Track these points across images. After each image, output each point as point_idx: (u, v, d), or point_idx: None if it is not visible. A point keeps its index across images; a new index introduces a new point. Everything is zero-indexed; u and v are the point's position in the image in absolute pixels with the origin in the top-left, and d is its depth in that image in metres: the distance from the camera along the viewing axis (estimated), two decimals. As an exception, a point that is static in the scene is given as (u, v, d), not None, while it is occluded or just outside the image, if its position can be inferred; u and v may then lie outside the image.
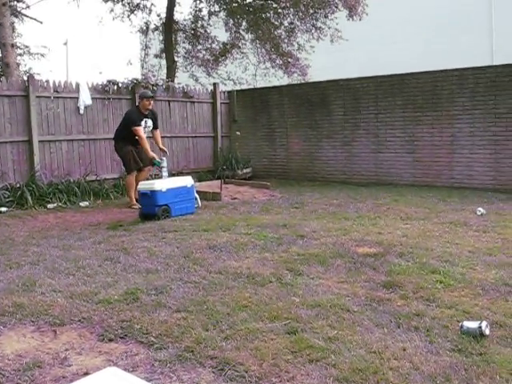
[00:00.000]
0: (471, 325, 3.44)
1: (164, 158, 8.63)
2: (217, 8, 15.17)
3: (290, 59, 15.09)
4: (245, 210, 8.40)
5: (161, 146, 9.31)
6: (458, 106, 10.57)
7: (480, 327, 3.38)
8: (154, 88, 11.77)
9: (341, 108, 12.24)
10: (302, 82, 14.77)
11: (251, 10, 14.43)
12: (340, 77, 12.58)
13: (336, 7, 13.68)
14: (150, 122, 9.21)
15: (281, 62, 15.22)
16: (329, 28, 14.40)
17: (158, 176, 9.00)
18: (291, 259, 5.25)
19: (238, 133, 13.47)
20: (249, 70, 15.97)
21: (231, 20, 15.03)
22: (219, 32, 15.53)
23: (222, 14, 15.14)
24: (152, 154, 8.81)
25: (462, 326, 3.46)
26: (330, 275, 4.75)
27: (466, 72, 10.52)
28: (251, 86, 15.20)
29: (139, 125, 8.94)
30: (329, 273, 4.82)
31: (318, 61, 15.93)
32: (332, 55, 17.47)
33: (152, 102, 9.30)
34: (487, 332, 3.38)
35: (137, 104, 9.78)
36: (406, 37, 19.23)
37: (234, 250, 5.66)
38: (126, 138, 9.05)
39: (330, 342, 3.33)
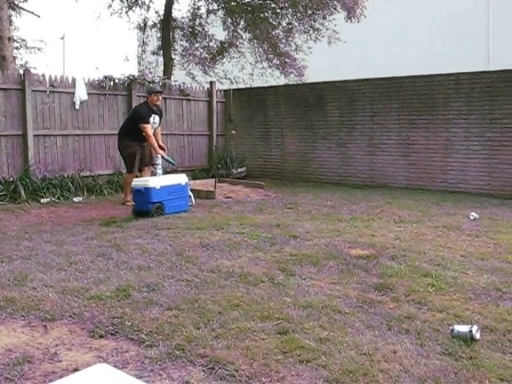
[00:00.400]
0: (462, 329, 3.45)
1: (158, 156, 8.60)
2: (215, 6, 15.15)
3: (287, 59, 15.07)
4: (238, 209, 8.39)
5: (160, 143, 9.17)
6: (453, 110, 10.61)
7: (471, 331, 3.39)
8: (151, 85, 11.75)
9: (337, 109, 12.26)
10: (299, 82, 14.77)
11: (249, 9, 14.40)
12: (337, 78, 12.59)
13: (334, 9, 13.67)
14: (157, 119, 9.00)
15: (278, 62, 15.20)
16: (327, 29, 14.40)
17: (153, 173, 8.96)
18: (284, 259, 5.25)
19: (233, 132, 13.49)
20: (246, 70, 15.95)
21: (229, 19, 15.00)
22: (217, 30, 15.51)
23: (221, 13, 15.12)
24: (161, 151, 8.66)
25: (452, 330, 3.47)
26: (322, 276, 4.75)
27: (462, 77, 10.55)
28: (248, 86, 15.19)
29: (148, 122, 8.72)
30: (321, 274, 4.82)
31: (315, 62, 15.92)
32: (329, 56, 17.46)
33: (160, 97, 9.11)
34: (478, 336, 3.39)
35: (134, 101, 9.69)
36: (403, 40, 19.26)
37: (227, 249, 5.66)
38: (131, 134, 8.81)
39: (321, 343, 3.33)
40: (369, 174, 11.80)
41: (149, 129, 8.70)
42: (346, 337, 3.44)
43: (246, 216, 7.73)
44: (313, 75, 14.86)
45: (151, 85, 10.78)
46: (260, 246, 5.81)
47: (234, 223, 7.03)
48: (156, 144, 8.72)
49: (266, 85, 14.33)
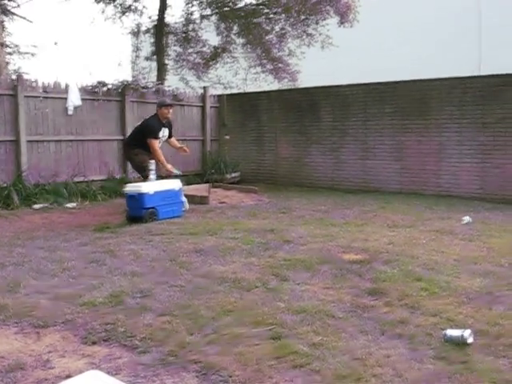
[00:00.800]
0: (454, 333, 3.46)
1: (153, 161, 8.56)
2: (208, 12, 15.16)
3: (280, 64, 15.11)
4: (232, 215, 8.39)
5: (178, 145, 9.17)
6: (446, 114, 10.64)
7: (463, 335, 3.40)
8: (144, 90, 11.77)
9: (330, 114, 12.28)
10: (292, 87, 14.80)
11: (243, 14, 14.44)
12: (330, 83, 12.62)
13: (327, 14, 13.72)
14: (166, 132, 8.80)
15: (271, 67, 15.23)
16: (320, 34, 14.44)
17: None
18: (277, 264, 5.25)
19: (226, 137, 13.51)
20: (239, 75, 15.96)
21: (222, 24, 15.02)
22: (210, 35, 15.52)
23: (214, 18, 15.14)
24: (168, 165, 8.52)
25: (445, 334, 3.48)
26: (315, 281, 4.76)
27: (455, 81, 10.60)
28: (241, 91, 15.21)
29: (157, 137, 8.51)
30: (315, 279, 4.83)
31: (309, 66, 15.95)
32: (322, 61, 17.49)
33: (171, 110, 8.89)
34: (470, 340, 3.40)
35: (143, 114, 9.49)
36: (397, 45, 19.32)
37: (221, 255, 5.65)
38: (140, 145, 8.55)
39: (315, 348, 3.34)
40: (362, 178, 11.82)
41: (156, 144, 8.48)
42: (339, 342, 3.45)
43: (240, 221, 7.73)
44: (306, 80, 14.88)
45: (161, 98, 10.62)
46: (253, 251, 5.81)
47: (228, 228, 7.02)
48: (163, 157, 8.53)
49: (259, 90, 14.35)
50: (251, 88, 15.24)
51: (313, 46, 14.81)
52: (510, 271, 5.08)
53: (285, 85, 15.27)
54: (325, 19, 13.92)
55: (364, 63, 19.24)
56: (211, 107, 13.64)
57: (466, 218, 7.72)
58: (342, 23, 13.86)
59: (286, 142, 12.98)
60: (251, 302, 4.16)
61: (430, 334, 3.57)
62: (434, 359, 3.23)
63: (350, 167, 11.99)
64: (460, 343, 3.38)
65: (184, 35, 15.46)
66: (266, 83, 15.50)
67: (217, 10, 14.81)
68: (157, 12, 14.46)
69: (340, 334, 3.57)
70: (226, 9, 14.48)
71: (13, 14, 16.76)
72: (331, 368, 3.08)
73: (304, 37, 14.57)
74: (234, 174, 12.96)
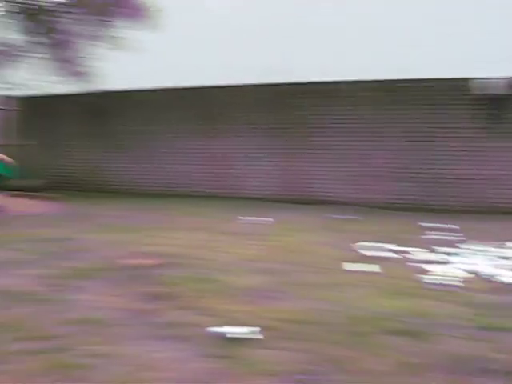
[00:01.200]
0: (233, 330, 3.56)
1: None
2: (6, 8, 14.20)
3: (81, 67, 14.58)
4: (24, 224, 7.89)
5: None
6: (242, 120, 11.13)
7: (240, 332, 3.51)
8: None
9: (133, 119, 12.15)
10: (95, 91, 14.36)
11: (41, 14, 13.72)
12: (137, 86, 12.45)
13: (118, 17, 13.44)
14: None
15: (72, 69, 14.64)
16: (122, 38, 14.16)
17: None
18: (62, 274, 4.99)
19: (23, 142, 12.75)
20: (39, 76, 15.15)
21: (22, 22, 14.15)
22: (8, 34, 14.54)
23: (12, 16, 14.20)
24: None
25: (222, 333, 3.56)
26: (98, 289, 4.58)
27: (249, 88, 11.08)
28: (41, 93, 14.44)
29: None
30: (98, 287, 4.65)
31: (115, 69, 15.60)
32: (128, 64, 17.18)
33: None
34: (251, 336, 3.50)
35: None
36: (203, 50, 19.63)
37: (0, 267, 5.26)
38: None
39: (87, 358, 3.20)
40: (167, 182, 11.83)
41: None
42: (115, 349, 3.35)
43: (31, 231, 7.25)
44: (113, 83, 14.52)
45: None
46: (39, 261, 5.47)
47: (16, 239, 6.58)
48: None
49: (59, 92, 13.73)
50: (53, 90, 14.53)
51: (121, 50, 14.48)
52: (293, 268, 5.37)
53: (87, 88, 14.77)
54: (114, 22, 13.63)
55: (176, 67, 19.29)
56: (5, 110, 12.77)
57: (261, 219, 8.05)
58: (140, 28, 13.69)
59: (87, 147, 12.58)
60: (23, 316, 3.89)
61: (209, 335, 3.61)
62: (213, 358, 3.26)
63: (156, 172, 11.96)
64: (240, 340, 3.47)
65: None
66: (67, 86, 14.87)
67: (16, 8, 13.92)
68: None
69: (116, 342, 3.47)
70: (24, 6, 13.66)
71: None
72: (101, 375, 2.97)
73: (103, 39, 14.17)
74: (28, 182, 12.19)
